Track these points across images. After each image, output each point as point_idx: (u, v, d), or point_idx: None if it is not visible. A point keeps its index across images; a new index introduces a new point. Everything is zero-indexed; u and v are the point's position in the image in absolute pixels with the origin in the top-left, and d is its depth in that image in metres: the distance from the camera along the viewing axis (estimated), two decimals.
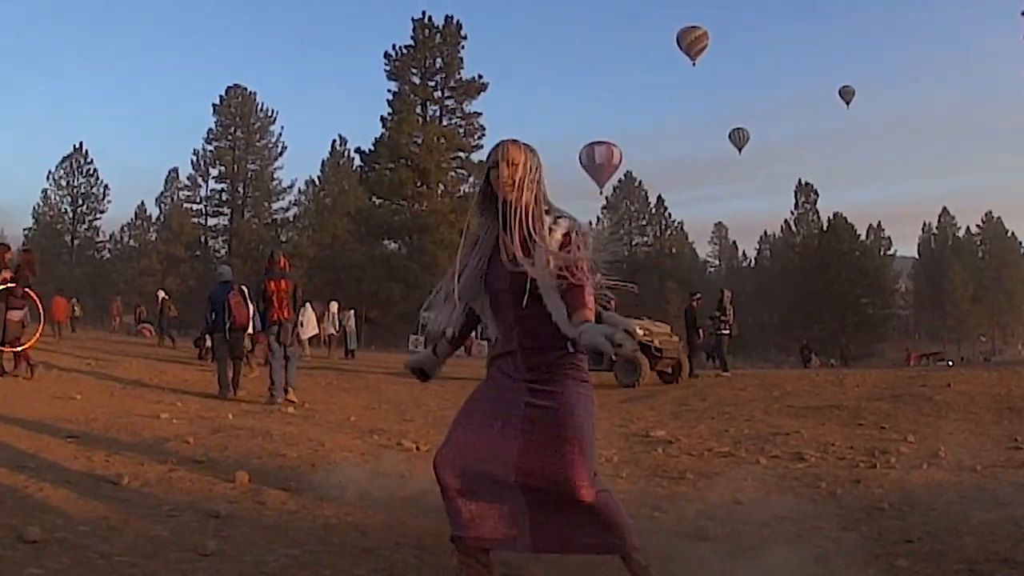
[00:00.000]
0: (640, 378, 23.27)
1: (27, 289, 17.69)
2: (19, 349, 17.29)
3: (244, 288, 19.72)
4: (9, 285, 17.00)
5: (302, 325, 21.57)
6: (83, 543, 5.97)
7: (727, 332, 27.90)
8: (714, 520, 7.36)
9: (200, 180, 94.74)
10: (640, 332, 22.00)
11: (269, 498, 7.77)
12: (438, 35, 79.42)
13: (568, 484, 4.66)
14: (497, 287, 5.05)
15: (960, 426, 13.77)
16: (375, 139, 79.19)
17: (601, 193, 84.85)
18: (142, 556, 5.72)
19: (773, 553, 6.27)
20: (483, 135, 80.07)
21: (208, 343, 23.03)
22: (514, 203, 4.94)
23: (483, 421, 5.03)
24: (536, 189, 5.04)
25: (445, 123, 79.84)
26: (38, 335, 18.80)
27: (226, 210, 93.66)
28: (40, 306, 18.68)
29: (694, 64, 65.64)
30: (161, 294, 41.95)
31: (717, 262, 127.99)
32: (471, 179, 79.92)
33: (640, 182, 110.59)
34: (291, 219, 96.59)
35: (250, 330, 19.85)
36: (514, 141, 5.09)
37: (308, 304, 30.45)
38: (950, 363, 59.30)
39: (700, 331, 27.88)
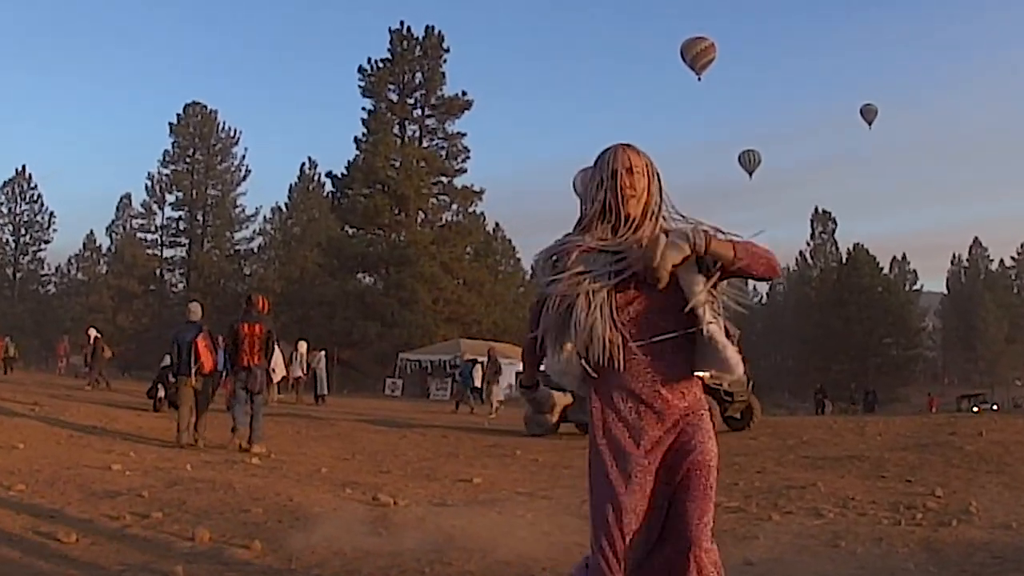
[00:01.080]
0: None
1: None
2: None
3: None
4: None
5: (274, 371, 21.55)
6: None
7: None
8: None
9: (155, 207, 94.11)
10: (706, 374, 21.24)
11: (232, 558, 7.78)
12: (418, 47, 78.84)
13: (689, 543, 4.35)
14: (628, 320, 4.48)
15: (993, 479, 13.78)
16: (348, 162, 78.17)
17: None
18: None
19: None
20: (467, 158, 79.79)
21: (162, 393, 23.10)
22: (639, 219, 4.60)
23: (629, 483, 4.41)
24: (663, 201, 4.71)
25: (426, 144, 79.44)
26: None
27: (184, 240, 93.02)
28: None
29: (700, 79, 65.43)
30: (93, 332, 41.37)
31: (724, 298, 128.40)
32: (454, 206, 79.80)
33: None
34: (255, 250, 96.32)
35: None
36: (629, 145, 4.76)
37: (275, 344, 30.36)
38: (995, 406, 58.80)
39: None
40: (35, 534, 8.50)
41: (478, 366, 39.14)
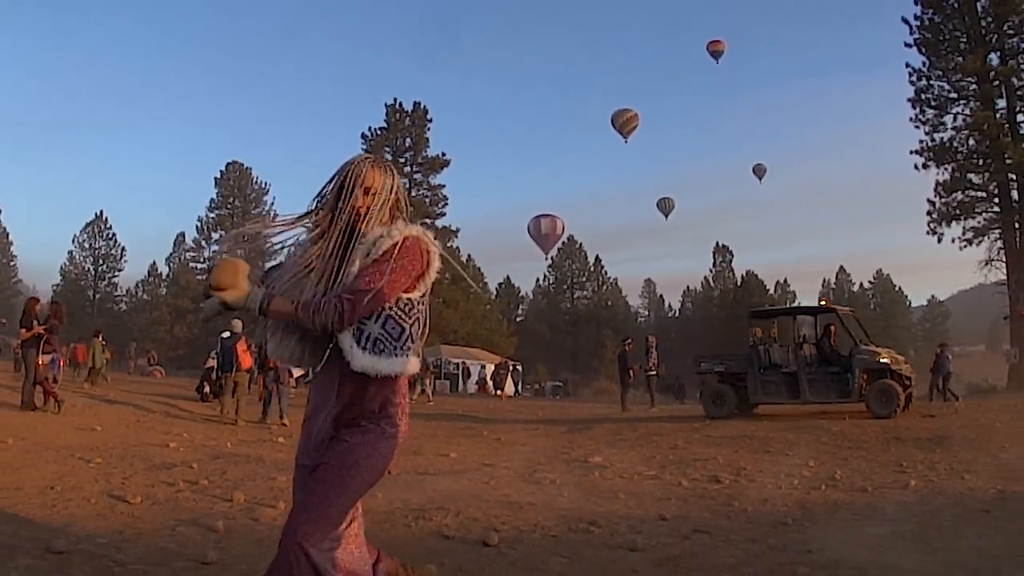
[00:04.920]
0: (896, 408, 18.58)
1: (55, 337, 17.83)
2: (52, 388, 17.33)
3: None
4: (42, 333, 17.09)
5: (291, 373, 21.68)
6: (101, 553, 5.99)
7: (654, 373, 28.03)
8: (641, 534, 7.38)
9: (203, 243, 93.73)
10: (888, 360, 19.58)
11: (262, 515, 7.74)
12: (407, 118, 78.21)
13: (291, 520, 3.76)
14: None
15: (855, 453, 13.86)
16: None
17: (546, 259, 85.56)
18: (152, 565, 5.74)
19: (692, 562, 6.32)
20: (446, 204, 79.13)
21: (207, 388, 23.41)
22: (360, 235, 3.97)
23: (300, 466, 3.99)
24: (387, 216, 4.06)
25: (414, 194, 78.38)
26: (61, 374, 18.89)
27: None
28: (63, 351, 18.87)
29: (626, 142, 65.86)
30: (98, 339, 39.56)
31: (647, 313, 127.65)
32: (436, 240, 79.30)
33: (581, 244, 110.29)
34: None
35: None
36: (374, 161, 4.07)
37: None
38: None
39: (631, 371, 27.92)
40: (109, 497, 8.46)
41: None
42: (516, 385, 52.27)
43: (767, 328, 22.85)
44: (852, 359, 19.36)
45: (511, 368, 52.83)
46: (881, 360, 19.20)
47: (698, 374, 22.49)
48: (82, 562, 5.74)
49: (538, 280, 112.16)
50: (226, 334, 20.29)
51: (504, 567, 6.17)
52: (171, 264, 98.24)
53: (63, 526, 6.98)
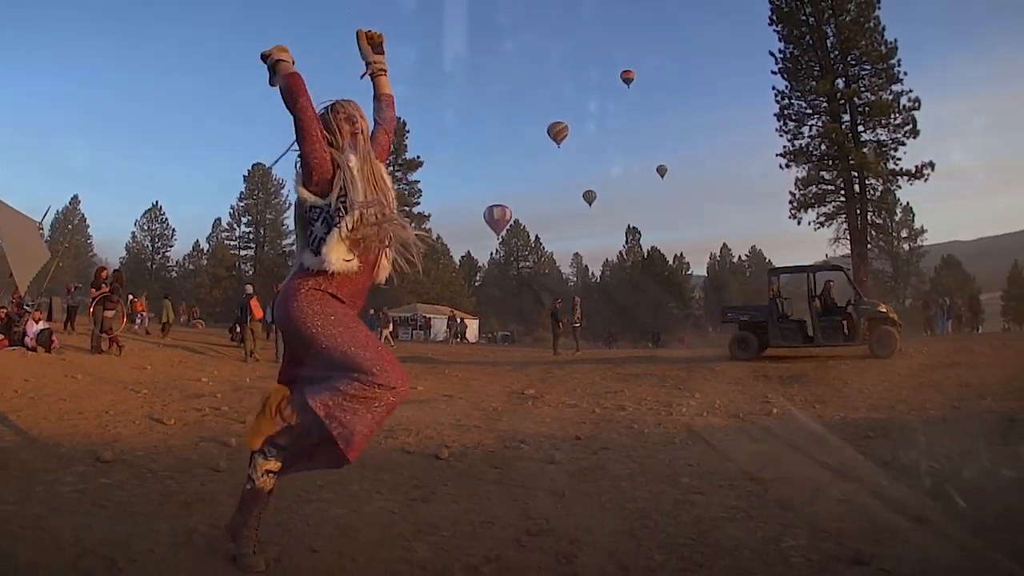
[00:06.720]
0: (894, 349, 17.83)
1: (117, 297, 18.35)
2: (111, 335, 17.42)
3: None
4: (107, 293, 17.54)
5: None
6: (139, 463, 6.07)
7: (579, 325, 28.47)
8: (560, 450, 7.36)
9: (235, 225, 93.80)
10: (886, 310, 19.10)
11: None
12: None
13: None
14: None
15: (731, 387, 13.87)
16: None
17: (498, 238, 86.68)
18: (176, 472, 5.79)
19: (598, 473, 6.32)
20: (421, 195, 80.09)
21: (238, 329, 23.61)
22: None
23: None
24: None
25: (395, 188, 79.16)
26: (123, 324, 19.06)
27: (252, 246, 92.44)
28: (124, 308, 19.34)
29: (558, 147, 66.86)
30: (131, 297, 37.99)
31: (575, 279, 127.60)
32: (412, 225, 79.64)
33: (524, 226, 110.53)
34: (295, 251, 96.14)
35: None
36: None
37: None
38: None
39: (560, 324, 28.05)
40: (150, 419, 8.43)
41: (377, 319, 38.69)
42: (458, 334, 52.17)
43: (779, 285, 22.01)
44: (857, 309, 18.93)
45: (459, 321, 53.28)
46: (880, 310, 18.93)
47: (723, 322, 22.20)
48: (123, 469, 5.86)
49: (492, 254, 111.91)
50: (249, 288, 21.94)
51: (451, 476, 6.17)
52: (210, 242, 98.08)
53: (111, 441, 7.02)
